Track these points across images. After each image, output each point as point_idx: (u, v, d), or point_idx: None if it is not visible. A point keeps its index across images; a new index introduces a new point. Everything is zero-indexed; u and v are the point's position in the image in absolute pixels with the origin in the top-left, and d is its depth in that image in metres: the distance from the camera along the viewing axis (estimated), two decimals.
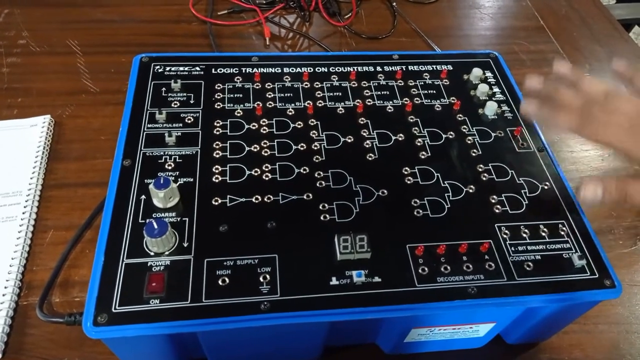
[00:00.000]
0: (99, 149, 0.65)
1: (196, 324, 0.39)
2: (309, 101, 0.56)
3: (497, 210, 0.48)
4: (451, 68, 0.61)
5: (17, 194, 0.60)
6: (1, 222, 0.57)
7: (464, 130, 0.55)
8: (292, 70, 0.59)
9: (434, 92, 0.59)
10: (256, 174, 0.48)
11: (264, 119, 0.53)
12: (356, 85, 0.58)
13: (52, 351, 0.49)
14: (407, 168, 0.51)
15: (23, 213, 0.58)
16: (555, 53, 0.88)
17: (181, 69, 0.57)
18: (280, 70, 0.59)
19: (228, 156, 0.50)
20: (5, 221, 0.57)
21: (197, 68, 0.57)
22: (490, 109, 0.56)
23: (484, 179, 0.51)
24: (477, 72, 0.60)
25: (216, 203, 0.46)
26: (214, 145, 0.50)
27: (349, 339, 0.51)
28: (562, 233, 0.47)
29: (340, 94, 0.57)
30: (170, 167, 0.48)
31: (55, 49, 0.78)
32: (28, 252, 0.56)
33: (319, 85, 0.57)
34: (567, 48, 0.89)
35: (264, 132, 0.52)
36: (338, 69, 0.60)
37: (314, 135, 0.52)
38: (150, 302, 0.39)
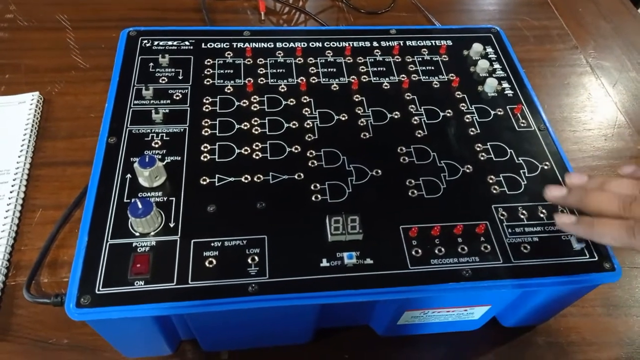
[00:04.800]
0: (89, 127, 0.63)
1: (181, 306, 0.38)
2: (302, 77, 0.54)
3: (494, 191, 0.46)
4: (450, 43, 0.59)
5: (4, 173, 0.58)
6: None
7: (463, 108, 0.53)
8: (285, 45, 0.57)
9: (432, 68, 0.56)
10: (246, 152, 0.47)
11: (255, 96, 0.51)
12: (351, 61, 0.56)
13: (40, 332, 0.49)
14: (402, 147, 0.49)
15: (11, 192, 0.57)
16: (560, 29, 0.85)
17: (170, 43, 0.55)
18: (272, 45, 0.56)
19: (217, 134, 0.48)
20: None
21: (187, 42, 0.55)
22: (490, 86, 0.54)
23: (482, 158, 0.49)
24: (477, 47, 0.58)
25: (204, 182, 0.44)
26: (203, 123, 0.49)
27: (341, 322, 0.50)
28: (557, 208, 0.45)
29: (334, 70, 0.55)
30: (157, 145, 0.46)
31: (44, 24, 0.76)
32: (16, 232, 0.55)
33: (313, 61, 0.55)
34: (572, 24, 0.87)
35: (255, 109, 0.50)
36: (333, 44, 0.58)
37: (306, 113, 0.51)
38: (134, 283, 0.38)
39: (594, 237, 0.40)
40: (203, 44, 0.55)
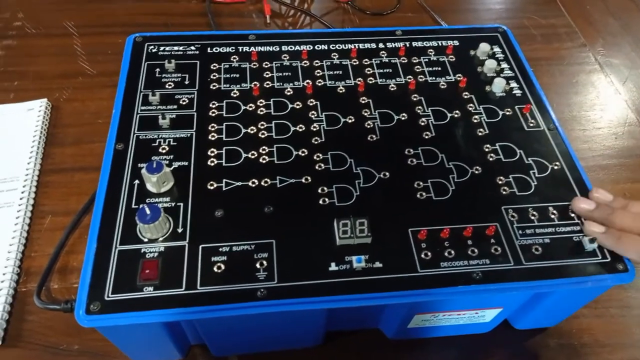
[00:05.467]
0: (96, 133, 0.64)
1: (191, 312, 0.38)
2: (308, 80, 0.53)
3: (504, 192, 0.46)
4: (457, 44, 0.59)
5: (14, 180, 0.59)
6: None
7: (470, 108, 0.53)
8: (291, 48, 0.57)
9: (439, 69, 0.56)
10: (253, 156, 0.47)
11: (261, 100, 0.51)
12: (357, 63, 0.56)
13: (51, 338, 0.49)
14: (410, 149, 0.49)
15: (20, 199, 0.57)
16: (567, 27, 0.85)
17: (175, 48, 0.55)
18: (278, 49, 0.56)
19: (224, 139, 0.48)
20: (3, 207, 0.56)
21: (192, 47, 0.55)
22: (498, 86, 0.54)
23: (491, 159, 0.48)
24: (484, 47, 0.57)
25: (211, 187, 0.44)
26: (210, 128, 0.49)
27: (350, 325, 0.49)
28: (573, 215, 0.45)
29: (340, 72, 0.55)
30: (164, 151, 0.46)
31: (51, 31, 0.76)
32: (26, 239, 0.55)
33: (319, 64, 0.55)
34: (580, 22, 0.86)
35: (261, 113, 0.50)
36: (338, 47, 0.57)
37: (313, 116, 0.50)
38: (144, 289, 0.38)
39: (620, 249, 0.42)
40: (209, 49, 0.55)
